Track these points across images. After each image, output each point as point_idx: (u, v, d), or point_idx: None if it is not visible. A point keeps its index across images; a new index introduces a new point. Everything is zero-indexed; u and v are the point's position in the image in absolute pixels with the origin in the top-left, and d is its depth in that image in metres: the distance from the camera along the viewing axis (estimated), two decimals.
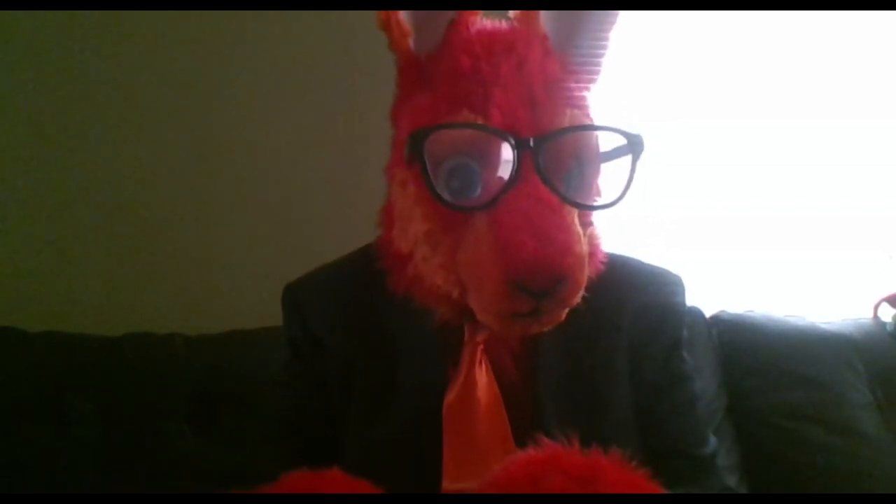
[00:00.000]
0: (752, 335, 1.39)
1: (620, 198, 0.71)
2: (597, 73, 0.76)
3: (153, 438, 1.21)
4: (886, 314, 1.42)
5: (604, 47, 0.77)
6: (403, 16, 0.71)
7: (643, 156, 0.71)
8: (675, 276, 0.87)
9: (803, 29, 1.55)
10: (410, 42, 0.72)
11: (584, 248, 0.68)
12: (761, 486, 1.28)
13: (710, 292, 1.51)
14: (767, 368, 1.34)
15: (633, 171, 0.71)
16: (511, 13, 0.75)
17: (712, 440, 0.85)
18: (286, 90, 1.49)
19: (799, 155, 1.57)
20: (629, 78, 1.53)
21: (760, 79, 1.55)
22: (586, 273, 0.68)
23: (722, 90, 1.55)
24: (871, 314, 1.44)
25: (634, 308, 0.81)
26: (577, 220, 0.68)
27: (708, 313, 1.43)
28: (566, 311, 0.70)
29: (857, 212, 1.58)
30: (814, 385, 1.31)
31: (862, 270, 1.57)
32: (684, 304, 0.87)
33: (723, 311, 1.45)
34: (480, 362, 0.75)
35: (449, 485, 0.72)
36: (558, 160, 0.69)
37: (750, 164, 1.57)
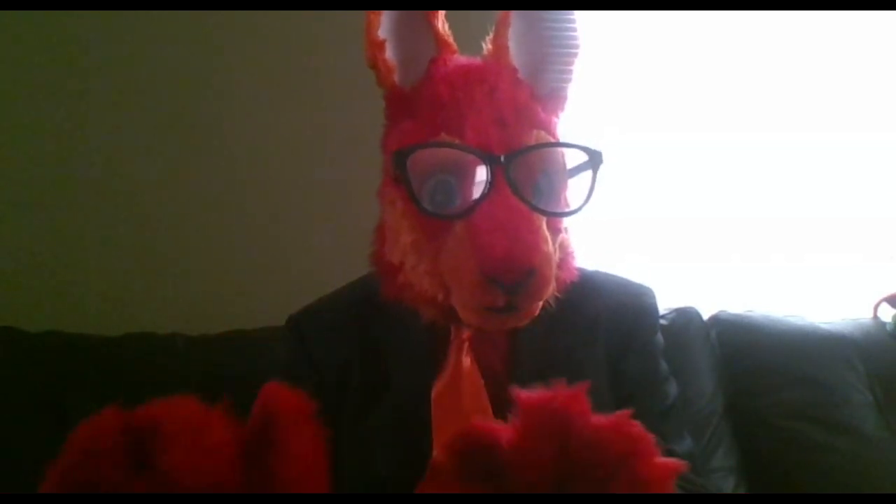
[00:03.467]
0: (752, 335, 1.39)
1: (583, 206, 0.79)
2: (564, 100, 0.86)
3: None
4: (886, 314, 1.42)
5: (568, 79, 0.86)
6: (389, 54, 0.80)
7: (602, 169, 0.80)
8: (645, 285, 0.95)
9: (804, 31, 1.55)
10: (395, 77, 0.82)
11: (552, 249, 0.76)
12: (760, 487, 1.28)
13: (710, 292, 1.52)
14: (767, 368, 1.34)
15: (593, 182, 0.79)
16: (485, 50, 0.84)
17: (689, 441, 0.90)
18: (287, 91, 1.49)
19: (799, 155, 1.57)
20: (633, 82, 1.53)
21: (762, 80, 1.55)
22: (554, 270, 0.76)
23: (724, 92, 1.55)
24: (871, 314, 1.44)
25: (609, 309, 0.89)
26: (545, 226, 0.76)
27: (708, 313, 1.43)
28: (538, 305, 0.77)
29: (858, 212, 1.58)
30: (814, 385, 1.31)
31: (862, 271, 1.57)
32: (656, 308, 0.94)
33: (722, 311, 1.45)
34: (466, 355, 0.83)
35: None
36: (527, 174, 0.76)
37: (751, 164, 1.57)
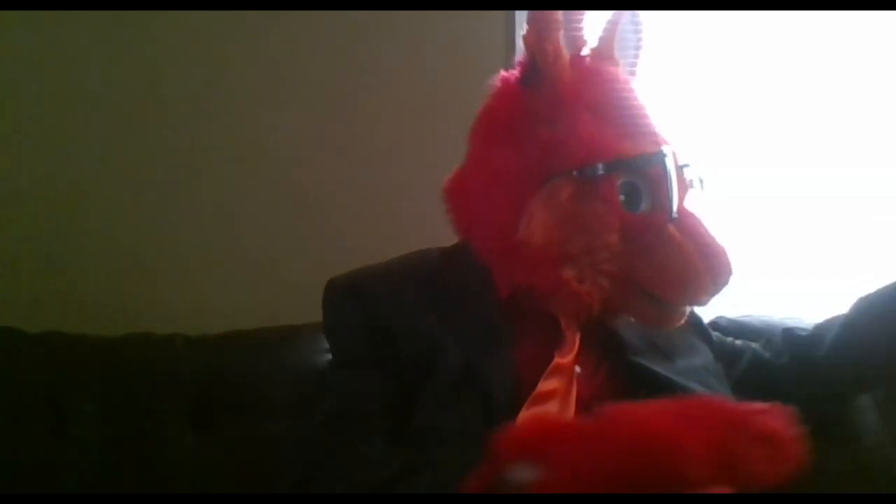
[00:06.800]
0: (750, 339, 1.38)
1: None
2: None
3: (153, 439, 1.21)
4: None
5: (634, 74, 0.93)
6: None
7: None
8: None
9: (804, 28, 1.55)
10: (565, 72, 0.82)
11: None
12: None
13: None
14: None
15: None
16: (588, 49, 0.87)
17: None
18: (286, 90, 1.49)
19: (797, 153, 1.57)
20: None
21: (764, 80, 1.56)
22: None
23: (728, 90, 1.55)
24: None
25: None
26: None
27: (706, 318, 1.42)
28: None
29: (857, 211, 1.58)
30: None
31: (861, 271, 1.56)
32: None
33: (721, 317, 1.44)
34: (574, 357, 0.82)
35: None
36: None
37: (747, 161, 1.57)
